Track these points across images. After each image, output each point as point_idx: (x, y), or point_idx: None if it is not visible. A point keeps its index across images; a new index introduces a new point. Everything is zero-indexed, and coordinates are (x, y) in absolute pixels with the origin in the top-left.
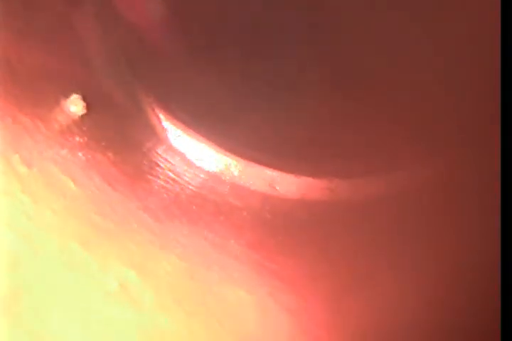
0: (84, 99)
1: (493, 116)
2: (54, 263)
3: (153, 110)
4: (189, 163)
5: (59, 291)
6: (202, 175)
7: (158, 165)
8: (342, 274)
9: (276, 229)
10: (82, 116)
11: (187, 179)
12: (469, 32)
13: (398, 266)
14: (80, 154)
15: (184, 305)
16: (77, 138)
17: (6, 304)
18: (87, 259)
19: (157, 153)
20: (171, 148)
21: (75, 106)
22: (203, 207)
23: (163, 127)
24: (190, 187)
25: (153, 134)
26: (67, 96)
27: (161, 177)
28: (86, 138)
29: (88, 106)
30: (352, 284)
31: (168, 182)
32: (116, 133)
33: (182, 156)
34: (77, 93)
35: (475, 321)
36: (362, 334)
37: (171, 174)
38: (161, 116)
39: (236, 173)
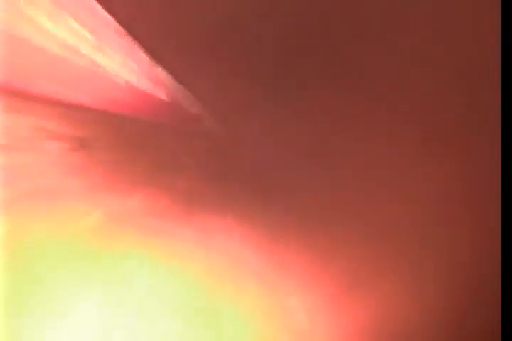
0: None
1: (493, 119)
2: None
3: None
4: None
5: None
6: None
7: None
8: (343, 275)
9: None
10: None
11: None
12: (471, 38)
13: (399, 268)
14: None
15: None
16: None
17: None
18: None
19: None
20: None
21: None
22: None
23: None
24: None
25: None
26: None
27: None
28: None
29: None
30: (353, 285)
31: None
32: None
33: None
34: None
35: (476, 322)
36: (361, 334)
37: None
38: None
39: None
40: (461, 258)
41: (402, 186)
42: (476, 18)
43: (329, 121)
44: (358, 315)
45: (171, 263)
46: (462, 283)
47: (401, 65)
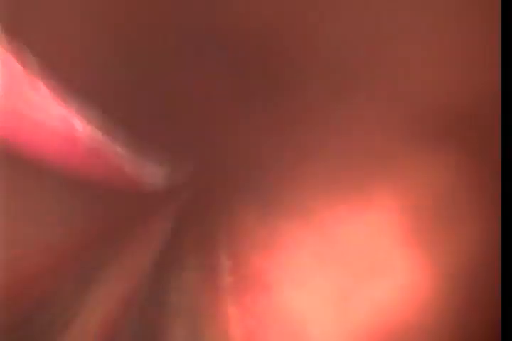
0: None
1: (493, 117)
2: None
3: None
4: None
5: None
6: None
7: None
8: (347, 272)
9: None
10: None
11: None
12: (469, 33)
13: (397, 268)
14: None
15: None
16: None
17: None
18: None
19: None
20: None
21: None
22: None
23: None
24: None
25: None
26: None
27: None
28: None
29: None
30: (357, 282)
31: None
32: None
33: None
34: None
35: (477, 321)
36: (367, 333)
37: None
38: None
39: None
40: (460, 257)
41: (400, 185)
42: (477, 18)
43: (326, 122)
44: (355, 315)
45: None
46: (461, 283)
47: (400, 63)
